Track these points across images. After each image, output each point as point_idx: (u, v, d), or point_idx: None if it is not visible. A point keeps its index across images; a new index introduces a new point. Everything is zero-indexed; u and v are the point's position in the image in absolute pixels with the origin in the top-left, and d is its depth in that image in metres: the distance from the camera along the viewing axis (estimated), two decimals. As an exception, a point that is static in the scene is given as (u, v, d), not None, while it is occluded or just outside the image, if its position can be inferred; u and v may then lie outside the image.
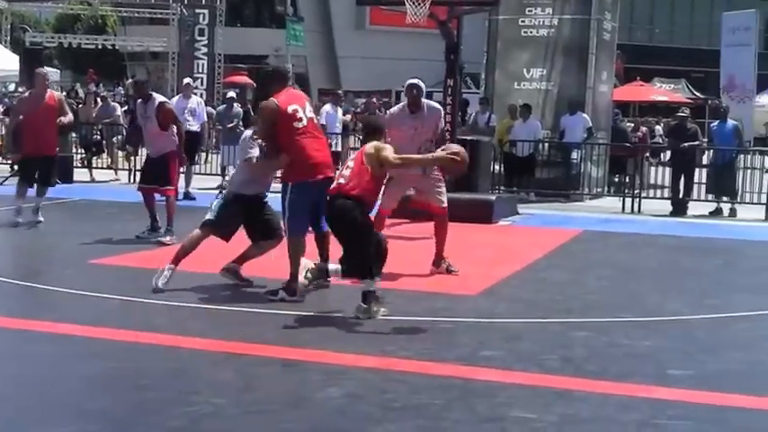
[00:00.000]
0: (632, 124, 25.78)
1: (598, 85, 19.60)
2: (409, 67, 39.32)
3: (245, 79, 40.71)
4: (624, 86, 36.04)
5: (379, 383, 6.23)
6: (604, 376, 6.54)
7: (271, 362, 6.71)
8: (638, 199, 17.51)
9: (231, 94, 21.62)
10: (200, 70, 36.80)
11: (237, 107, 20.41)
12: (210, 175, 19.66)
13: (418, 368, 6.55)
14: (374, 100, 25.34)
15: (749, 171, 18.48)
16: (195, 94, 20.28)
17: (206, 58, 37.50)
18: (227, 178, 19.58)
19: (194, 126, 17.01)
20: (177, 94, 19.75)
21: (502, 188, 17.93)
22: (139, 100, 12.47)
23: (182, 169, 16.11)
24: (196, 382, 6.20)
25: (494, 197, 15.46)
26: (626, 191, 18.35)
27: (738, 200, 17.65)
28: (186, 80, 18.64)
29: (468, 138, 15.87)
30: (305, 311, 8.13)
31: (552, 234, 13.34)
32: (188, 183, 16.78)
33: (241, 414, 5.56)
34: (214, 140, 23.01)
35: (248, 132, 9.35)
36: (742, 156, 18.65)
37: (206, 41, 37.73)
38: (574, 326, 7.98)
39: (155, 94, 12.43)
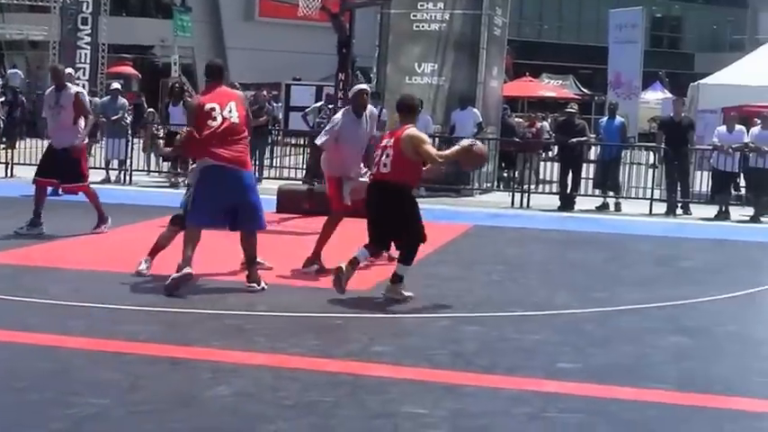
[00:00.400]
0: (521, 120, 26.08)
1: (488, 81, 19.77)
2: (300, 59, 39.37)
3: (129, 70, 39.99)
4: (513, 82, 36.51)
5: (270, 381, 6.16)
6: (494, 370, 6.58)
7: (157, 360, 6.56)
8: (526, 194, 17.71)
9: (116, 85, 21.20)
10: (83, 60, 35.88)
11: (122, 99, 20.02)
12: (93, 168, 19.19)
13: (309, 365, 6.49)
14: (264, 93, 25.07)
15: (634, 166, 18.88)
16: (76, 84, 19.80)
17: (89, 47, 36.62)
18: (113, 172, 19.32)
19: None
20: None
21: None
22: (51, 88, 12.07)
23: None
24: (78, 382, 6.01)
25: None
26: (515, 186, 18.54)
27: (624, 195, 18.01)
28: (68, 70, 18.14)
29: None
30: (193, 309, 7.99)
31: (442, 229, 13.36)
32: None
33: (126, 414, 5.42)
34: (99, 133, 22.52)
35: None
36: (627, 151, 19.02)
37: (89, 30, 36.81)
38: (464, 320, 8.01)
39: (69, 84, 12.10)
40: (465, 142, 8.78)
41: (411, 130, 8.61)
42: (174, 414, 5.46)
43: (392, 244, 9.12)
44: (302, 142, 22.42)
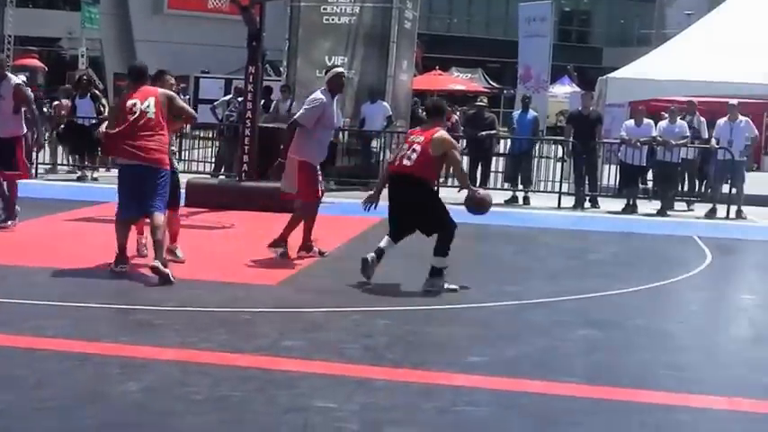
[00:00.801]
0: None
1: (398, 74, 19.81)
2: (209, 52, 39.02)
3: (35, 62, 39.25)
4: (423, 75, 36.66)
5: (180, 376, 6.09)
6: (405, 364, 6.60)
7: (66, 356, 6.44)
8: (436, 188, 17.73)
9: (21, 77, 20.75)
10: (-12, 52, 35.23)
11: (28, 91, 19.59)
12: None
13: (219, 360, 6.43)
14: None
15: (543, 160, 19.09)
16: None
17: (-6, 39, 36.00)
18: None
19: None
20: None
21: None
22: None
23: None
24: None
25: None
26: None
27: (533, 188, 18.20)
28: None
29: (271, 125, 15.73)
30: (102, 304, 7.87)
31: (352, 222, 13.35)
32: None
33: (32, 411, 5.32)
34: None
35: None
36: (537, 145, 19.25)
37: (-5, 22, 36.22)
38: (375, 314, 8.02)
39: (10, 75, 11.98)
40: (481, 192, 9.70)
41: (443, 132, 9.15)
42: (81, 410, 5.36)
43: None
44: (211, 135, 22.22)
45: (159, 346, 6.72)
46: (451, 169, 10.05)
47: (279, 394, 5.80)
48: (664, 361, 7.19)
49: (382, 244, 9.06)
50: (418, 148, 8.94)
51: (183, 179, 14.54)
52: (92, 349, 6.57)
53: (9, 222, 11.53)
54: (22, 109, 11.80)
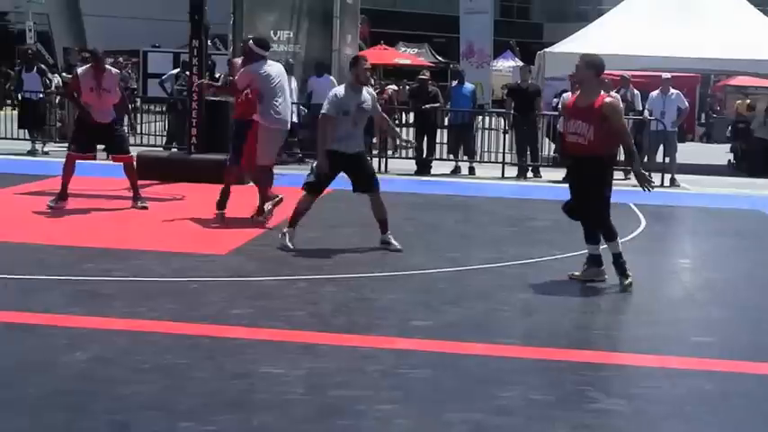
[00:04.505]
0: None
1: (343, 48, 19.88)
2: (157, 27, 38.67)
3: (-20, 38, 38.69)
4: (369, 50, 36.66)
5: (127, 345, 6.19)
6: (351, 330, 6.77)
7: (12, 327, 6.53)
8: (384, 159, 17.92)
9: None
10: (-69, 28, 34.73)
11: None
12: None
13: (166, 328, 6.55)
14: (120, 60, 24.70)
15: (487, 132, 19.30)
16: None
17: (-62, 14, 35.46)
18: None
19: None
20: None
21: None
22: None
23: None
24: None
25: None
26: (373, 152, 18.72)
27: (478, 159, 18.41)
28: None
29: (216, 99, 15.73)
30: (48, 275, 7.94)
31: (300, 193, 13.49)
32: None
33: (-21, 382, 5.41)
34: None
35: (338, 89, 9.73)
36: (480, 117, 19.42)
37: (-63, -4, 35.66)
38: (321, 282, 8.17)
39: (109, 66, 12.09)
40: None
41: (610, 95, 8.75)
42: (28, 380, 5.44)
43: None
44: (160, 109, 22.18)
45: (107, 316, 6.81)
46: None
47: (225, 361, 5.93)
48: (598, 322, 7.44)
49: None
50: (581, 121, 8.26)
51: (134, 152, 14.63)
52: (38, 320, 6.65)
53: (139, 203, 11.72)
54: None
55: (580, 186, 8.45)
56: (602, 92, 8.45)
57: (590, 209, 8.38)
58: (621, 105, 8.98)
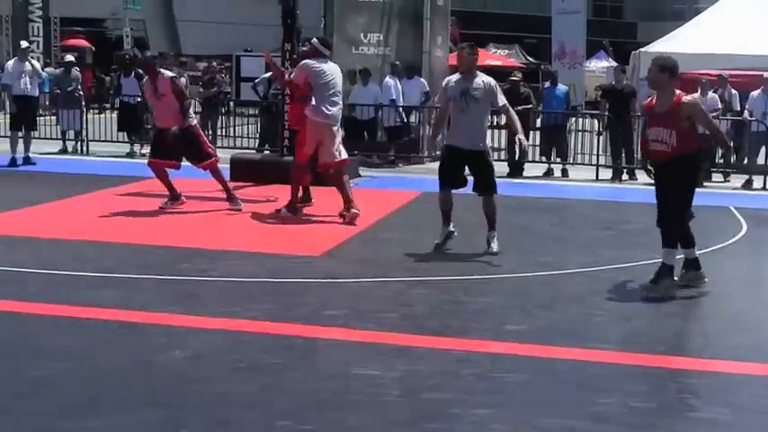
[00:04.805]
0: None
1: (434, 50, 19.85)
2: (249, 31, 39.11)
3: (83, 43, 39.55)
4: (457, 52, 36.55)
5: (223, 344, 6.27)
6: (444, 333, 6.74)
7: (115, 325, 6.66)
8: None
9: (70, 57, 21.25)
10: (36, 33, 35.57)
11: (76, 71, 20.05)
12: (49, 139, 19.16)
13: (262, 328, 6.61)
14: (214, 64, 25.01)
15: (581, 134, 19.10)
16: (33, 57, 19.87)
17: (41, 21, 36.30)
18: (70, 143, 19.28)
19: (32, 90, 16.48)
20: (13, 57, 19.10)
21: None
22: None
23: (20, 134, 15.81)
24: (36, 347, 6.10)
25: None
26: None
27: (571, 161, 18.23)
28: (24, 44, 18.05)
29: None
30: (148, 275, 8.07)
31: (393, 196, 13.52)
32: (27, 147, 16.34)
33: (84, 378, 5.52)
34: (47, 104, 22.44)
35: (451, 77, 9.77)
36: (573, 119, 19.21)
37: (40, 4, 36.48)
38: (414, 284, 8.16)
39: (163, 70, 12.02)
40: None
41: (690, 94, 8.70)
42: (129, 377, 5.56)
43: None
44: (253, 112, 22.42)
45: (204, 315, 6.90)
46: None
47: (320, 362, 5.97)
48: (696, 328, 7.29)
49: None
50: (662, 128, 8.09)
51: (228, 155, 14.85)
52: (138, 318, 6.78)
53: (233, 205, 11.82)
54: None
55: (666, 191, 8.24)
56: (677, 91, 8.23)
57: (670, 206, 8.14)
58: (698, 99, 8.65)
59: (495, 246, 9.47)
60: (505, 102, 9.76)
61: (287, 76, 12.13)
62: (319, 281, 8.18)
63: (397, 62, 18.65)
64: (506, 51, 45.17)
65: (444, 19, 21.17)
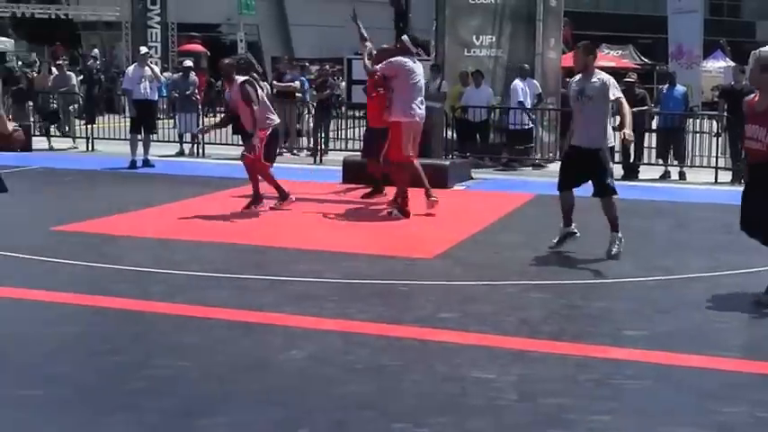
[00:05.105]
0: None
1: (546, 52, 19.65)
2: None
3: (199, 48, 40.38)
4: (573, 52, 36.20)
5: (340, 345, 6.30)
6: (561, 337, 6.64)
7: (232, 325, 6.74)
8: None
9: (188, 62, 21.64)
10: (154, 39, 36.49)
11: (193, 75, 20.44)
12: (167, 142, 19.56)
13: (378, 330, 6.62)
14: (327, 67, 25.25)
15: (698, 135, 18.69)
16: (152, 62, 20.34)
17: (159, 26, 37.19)
18: (187, 146, 19.68)
19: (152, 94, 16.85)
20: (133, 63, 19.59)
21: (455, 153, 17.95)
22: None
23: (140, 137, 16.20)
24: (159, 345, 6.24)
25: (447, 162, 15.50)
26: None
27: (688, 163, 17.85)
28: (143, 49, 18.49)
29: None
30: (264, 275, 8.16)
31: (506, 198, 13.43)
32: (146, 150, 16.71)
33: (203, 376, 5.60)
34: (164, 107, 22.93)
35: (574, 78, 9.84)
36: (690, 120, 18.80)
37: (158, 10, 37.42)
38: (530, 288, 8.07)
39: (235, 76, 12.12)
40: None
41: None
42: (247, 376, 5.62)
43: None
44: (365, 114, 22.51)
45: (321, 316, 6.94)
46: None
47: (436, 364, 5.94)
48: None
49: None
50: (761, 128, 7.97)
51: (339, 157, 14.95)
52: (256, 318, 6.86)
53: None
54: (270, 103, 12.28)
55: (755, 194, 7.98)
56: None
57: (762, 213, 7.87)
58: None
59: (614, 249, 9.30)
60: (619, 95, 9.60)
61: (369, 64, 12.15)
62: (432, 283, 8.15)
63: (526, 65, 18.47)
64: (620, 52, 44.50)
65: (557, 20, 20.96)
